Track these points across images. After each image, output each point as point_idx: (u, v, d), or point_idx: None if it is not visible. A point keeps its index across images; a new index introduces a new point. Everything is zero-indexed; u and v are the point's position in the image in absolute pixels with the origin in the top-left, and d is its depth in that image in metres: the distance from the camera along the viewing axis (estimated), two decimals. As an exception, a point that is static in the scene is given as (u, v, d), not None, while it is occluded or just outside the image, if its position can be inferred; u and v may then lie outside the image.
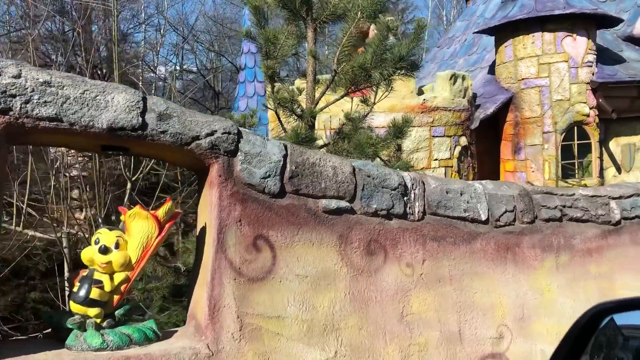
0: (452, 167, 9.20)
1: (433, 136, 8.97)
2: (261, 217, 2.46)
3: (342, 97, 4.93)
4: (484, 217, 3.02)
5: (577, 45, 9.34)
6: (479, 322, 2.90)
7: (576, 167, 9.57)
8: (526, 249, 3.14)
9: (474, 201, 3.03)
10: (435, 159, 9.06)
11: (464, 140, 9.36)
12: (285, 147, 2.56)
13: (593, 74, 9.47)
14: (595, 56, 9.55)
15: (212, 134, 2.35)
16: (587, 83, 9.43)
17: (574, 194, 3.38)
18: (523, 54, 9.55)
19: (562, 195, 3.32)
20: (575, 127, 9.54)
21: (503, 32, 9.88)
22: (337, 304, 2.58)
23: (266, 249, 2.46)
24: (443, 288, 2.86)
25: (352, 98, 5.00)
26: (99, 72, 11.38)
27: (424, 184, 2.91)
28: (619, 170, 10.65)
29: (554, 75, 9.36)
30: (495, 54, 10.26)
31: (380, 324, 2.66)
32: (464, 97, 9.40)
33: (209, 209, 2.46)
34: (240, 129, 2.50)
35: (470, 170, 9.64)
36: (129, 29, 15.80)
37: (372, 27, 10.18)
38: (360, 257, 2.67)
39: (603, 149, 10.63)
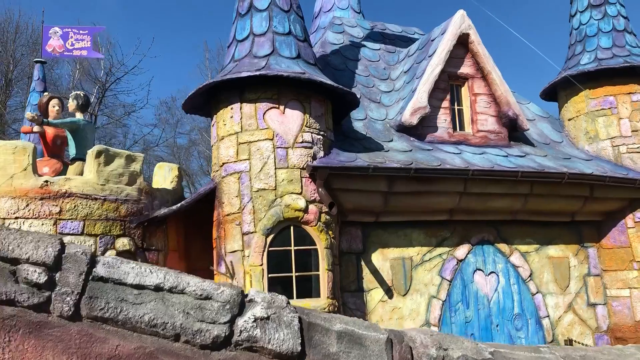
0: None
1: (61, 233, 6.32)
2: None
3: None
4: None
5: (287, 121, 7.10)
6: None
7: (294, 281, 6.83)
8: None
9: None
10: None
11: (124, 243, 6.70)
12: None
13: (315, 158, 7.13)
14: (320, 137, 7.28)
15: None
16: (303, 168, 7.04)
17: None
18: (223, 132, 7.27)
19: None
20: (292, 227, 6.97)
21: (209, 107, 7.72)
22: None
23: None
24: None
25: None
26: None
27: None
28: (389, 293, 7.90)
29: (255, 157, 6.99)
30: (214, 139, 8.00)
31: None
32: (130, 185, 6.91)
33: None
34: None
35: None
36: None
37: (54, 102, 8.01)
38: None
39: (363, 263, 7.97)
